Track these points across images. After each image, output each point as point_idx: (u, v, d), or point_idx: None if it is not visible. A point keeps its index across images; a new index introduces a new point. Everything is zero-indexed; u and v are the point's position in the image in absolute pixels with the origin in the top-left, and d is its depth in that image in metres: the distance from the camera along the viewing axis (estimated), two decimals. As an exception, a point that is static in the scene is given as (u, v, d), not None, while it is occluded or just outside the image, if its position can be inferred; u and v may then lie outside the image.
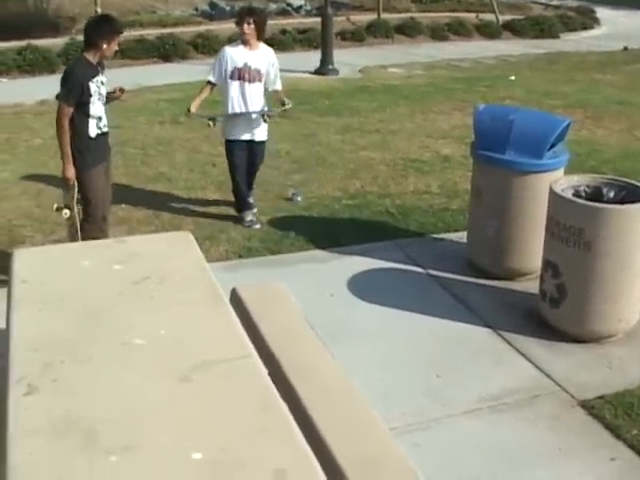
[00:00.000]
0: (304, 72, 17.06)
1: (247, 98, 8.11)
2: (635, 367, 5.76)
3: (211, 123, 8.44)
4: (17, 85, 15.64)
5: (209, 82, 8.29)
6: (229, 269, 7.09)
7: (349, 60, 18.31)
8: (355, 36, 21.43)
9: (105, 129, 6.87)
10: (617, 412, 5.14)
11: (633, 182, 6.30)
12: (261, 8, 8.99)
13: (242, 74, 8.07)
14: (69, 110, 6.47)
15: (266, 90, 8.33)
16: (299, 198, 9.03)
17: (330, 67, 17.30)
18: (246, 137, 8.23)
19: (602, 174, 7.22)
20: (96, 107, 6.65)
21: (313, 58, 17.64)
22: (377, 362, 5.71)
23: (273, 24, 21.51)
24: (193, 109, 8.26)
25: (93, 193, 6.74)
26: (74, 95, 6.48)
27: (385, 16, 23.03)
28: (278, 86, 8.46)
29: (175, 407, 2.75)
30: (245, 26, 8.03)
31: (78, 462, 2.46)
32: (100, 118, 6.74)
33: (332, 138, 11.72)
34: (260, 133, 8.30)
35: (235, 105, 8.12)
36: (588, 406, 5.23)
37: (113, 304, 3.44)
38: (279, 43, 19.98)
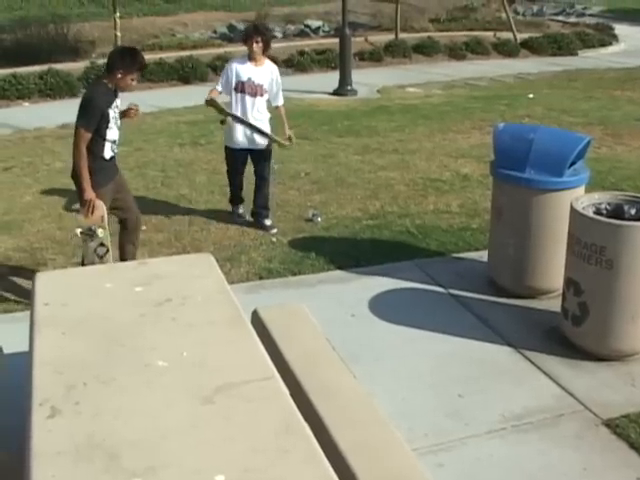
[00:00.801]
0: (323, 93, 17.12)
1: (248, 110, 8.53)
2: (659, 385, 5.71)
3: (225, 119, 8.71)
4: (38, 109, 15.74)
5: (216, 89, 8.69)
6: (250, 290, 7.09)
7: (367, 80, 18.34)
8: (373, 56, 21.46)
9: (117, 150, 7.02)
10: (642, 431, 5.11)
11: (654, 199, 6.28)
12: (266, 26, 9.29)
13: (245, 88, 8.50)
14: (88, 136, 6.54)
15: (269, 103, 8.76)
16: (319, 219, 9.03)
17: (348, 87, 17.32)
18: (245, 145, 8.68)
19: (623, 191, 7.19)
20: (112, 132, 6.76)
21: (331, 79, 17.67)
22: (399, 382, 5.69)
23: (291, 45, 21.66)
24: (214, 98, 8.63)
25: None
26: (93, 122, 6.56)
27: (403, 36, 23.05)
28: (280, 101, 8.88)
29: (198, 429, 2.76)
30: (254, 45, 8.46)
31: (102, 484, 2.47)
32: (115, 141, 6.87)
33: (351, 158, 11.72)
34: (259, 141, 8.69)
35: (238, 114, 8.53)
36: (612, 425, 5.19)
37: (135, 326, 3.45)
38: (297, 64, 20.10)
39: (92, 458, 2.58)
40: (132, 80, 6.78)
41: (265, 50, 8.61)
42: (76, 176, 6.68)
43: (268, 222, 8.87)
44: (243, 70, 8.52)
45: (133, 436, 2.70)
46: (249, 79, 8.48)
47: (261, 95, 8.57)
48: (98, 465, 2.55)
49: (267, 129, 8.72)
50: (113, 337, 3.33)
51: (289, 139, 8.92)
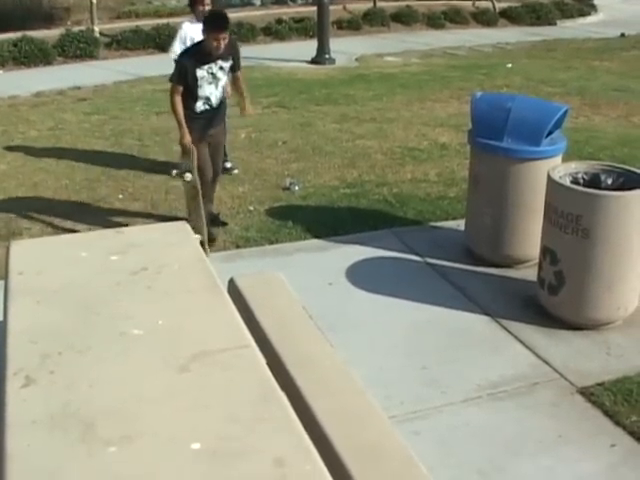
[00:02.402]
0: (301, 61, 17.05)
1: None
2: (634, 354, 5.75)
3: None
4: (13, 77, 15.56)
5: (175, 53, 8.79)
6: (227, 259, 7.08)
7: (345, 49, 18.27)
8: (351, 25, 21.38)
9: (213, 106, 7.50)
10: (617, 399, 5.14)
11: (631, 169, 6.29)
12: None
13: None
14: (177, 88, 7.26)
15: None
16: (296, 187, 9.01)
17: (326, 56, 17.26)
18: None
19: (600, 161, 7.20)
20: (202, 89, 7.31)
21: (310, 47, 17.59)
22: (376, 351, 5.71)
23: (269, 14, 21.53)
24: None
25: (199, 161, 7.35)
26: (179, 79, 7.25)
27: (381, 4, 22.96)
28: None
29: (173, 397, 2.75)
30: (206, 7, 8.61)
31: (77, 453, 2.46)
32: (208, 98, 7.40)
33: (329, 127, 11.69)
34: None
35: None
36: (587, 393, 5.23)
37: (111, 295, 3.43)
38: (275, 32, 20.00)
39: (67, 427, 2.56)
40: (214, 42, 7.09)
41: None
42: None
43: (228, 165, 9.34)
44: (197, 32, 8.12)
45: (108, 405, 2.69)
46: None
47: None
48: (73, 434, 2.53)
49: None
50: (88, 306, 3.31)
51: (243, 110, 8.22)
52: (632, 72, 16.37)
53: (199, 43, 7.37)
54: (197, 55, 7.20)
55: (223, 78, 7.46)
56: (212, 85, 7.35)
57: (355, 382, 3.69)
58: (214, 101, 7.44)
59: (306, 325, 4.17)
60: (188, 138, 7.20)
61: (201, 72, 7.19)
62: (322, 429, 3.22)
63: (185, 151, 7.28)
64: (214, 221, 7.77)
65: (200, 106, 7.36)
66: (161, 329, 3.16)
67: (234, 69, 7.60)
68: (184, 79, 7.17)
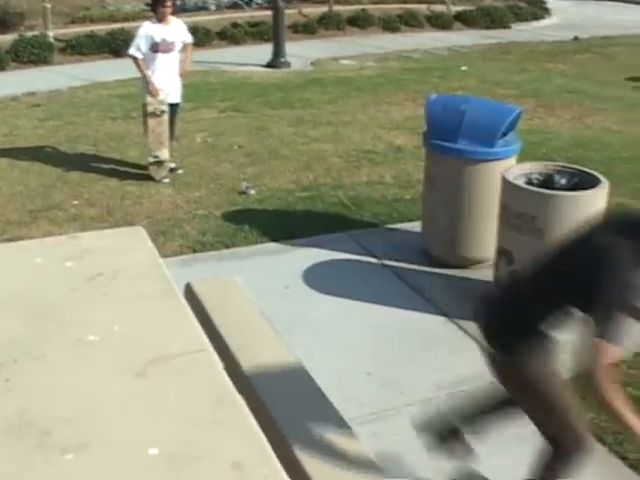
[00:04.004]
0: (256, 65, 17.03)
1: (165, 67, 9.44)
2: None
3: None
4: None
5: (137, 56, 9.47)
6: (184, 264, 7.06)
7: (301, 53, 18.29)
8: (307, 28, 21.40)
9: None
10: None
11: (584, 169, 6.35)
12: None
13: (160, 47, 9.36)
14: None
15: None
16: (252, 191, 9.01)
17: (282, 60, 17.25)
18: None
19: (554, 162, 7.27)
20: None
21: (265, 51, 17.57)
22: (334, 353, 5.72)
23: (225, 18, 21.48)
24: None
25: None
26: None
27: (337, 8, 22.99)
28: (189, 39, 9.91)
29: (130, 403, 2.74)
30: (166, 9, 9.36)
31: (33, 462, 2.44)
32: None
33: (285, 131, 11.70)
34: (176, 93, 9.63)
35: (156, 72, 9.44)
36: (544, 391, 5.27)
37: (66, 301, 3.41)
38: (231, 36, 19.95)
39: (24, 435, 2.54)
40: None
41: (173, 11, 9.62)
42: None
43: (172, 165, 9.67)
44: (156, 32, 9.33)
45: (65, 412, 2.67)
46: (163, 39, 9.32)
47: (174, 51, 9.48)
48: (30, 442, 2.51)
49: (179, 81, 9.66)
50: (43, 313, 3.28)
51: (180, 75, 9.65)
52: (585, 74, 16.57)
53: None
54: None
55: None
56: None
57: (313, 384, 3.70)
58: None
59: (263, 328, 4.18)
60: None
61: None
62: (280, 432, 3.22)
63: None
64: None
65: None
66: (117, 335, 3.14)
67: None
68: None
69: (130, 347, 3.06)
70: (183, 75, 9.70)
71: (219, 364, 3.06)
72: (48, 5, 18.53)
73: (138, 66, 9.40)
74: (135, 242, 4.15)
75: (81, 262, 3.81)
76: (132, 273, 3.71)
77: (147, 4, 9.81)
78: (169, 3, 9.36)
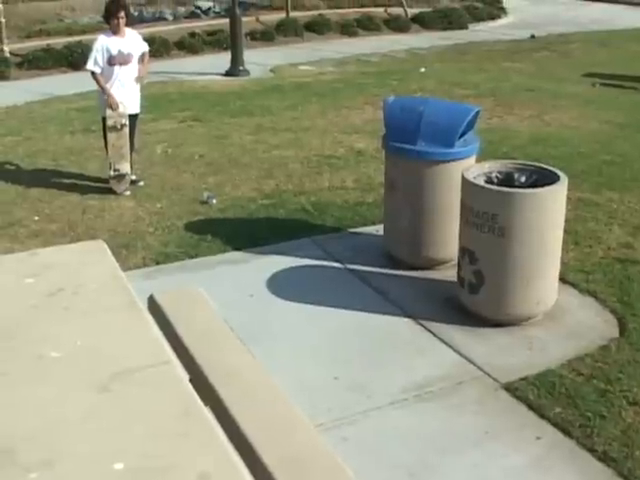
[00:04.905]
0: (215, 74, 17.02)
1: (122, 79, 9.42)
2: (555, 347, 5.86)
3: None
4: None
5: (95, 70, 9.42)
6: (148, 276, 7.02)
7: (260, 60, 18.29)
8: (265, 36, 21.40)
9: None
10: (540, 392, 5.24)
11: (544, 166, 6.42)
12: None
13: (117, 60, 9.34)
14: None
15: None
16: (214, 200, 8.99)
17: (241, 68, 17.24)
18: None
19: (514, 160, 7.32)
20: None
21: (223, 60, 17.56)
22: (300, 359, 5.72)
23: (182, 28, 21.42)
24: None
25: None
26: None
27: (294, 14, 23.03)
28: (145, 47, 9.92)
29: (94, 418, 2.72)
30: (120, 20, 9.39)
31: (-4, 481, 2.41)
32: None
33: (245, 139, 11.69)
34: (134, 105, 9.62)
35: (114, 84, 9.41)
36: (512, 388, 5.32)
37: (27, 318, 3.38)
38: (189, 46, 19.91)
39: (-14, 455, 2.52)
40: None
41: (127, 22, 9.64)
42: None
43: (133, 177, 9.66)
44: (112, 44, 9.36)
45: (28, 430, 2.65)
46: (119, 52, 9.34)
47: (131, 62, 9.47)
48: (-7, 461, 2.49)
49: (138, 92, 9.66)
50: (4, 330, 3.25)
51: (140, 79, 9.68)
52: (542, 72, 16.71)
53: None
54: None
55: None
56: None
57: (280, 392, 3.69)
58: None
59: (228, 338, 4.16)
60: None
61: None
62: (248, 441, 3.21)
63: None
64: None
65: None
66: (80, 350, 3.11)
67: None
68: None
69: (93, 362, 3.04)
70: (140, 78, 9.67)
71: (184, 376, 3.05)
72: (2, 19, 18.38)
73: (97, 80, 9.37)
74: (96, 256, 4.12)
75: (41, 278, 3.78)
76: (93, 287, 3.68)
77: (103, 16, 9.58)
78: (122, 14, 9.40)
